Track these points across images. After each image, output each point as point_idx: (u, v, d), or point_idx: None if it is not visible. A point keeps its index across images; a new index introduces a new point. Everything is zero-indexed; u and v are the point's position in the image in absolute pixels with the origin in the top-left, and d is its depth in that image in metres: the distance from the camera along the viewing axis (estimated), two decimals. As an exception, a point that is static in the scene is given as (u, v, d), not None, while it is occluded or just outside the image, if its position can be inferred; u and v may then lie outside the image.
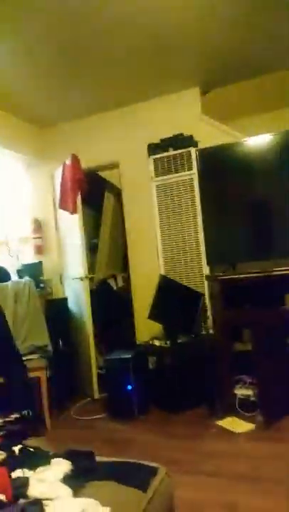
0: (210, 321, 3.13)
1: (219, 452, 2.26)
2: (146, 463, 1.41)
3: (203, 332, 3.20)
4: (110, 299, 3.97)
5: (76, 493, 1.19)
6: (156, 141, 3.44)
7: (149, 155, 3.45)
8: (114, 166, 3.74)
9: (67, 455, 1.40)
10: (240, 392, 2.74)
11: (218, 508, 1.78)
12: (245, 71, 3.28)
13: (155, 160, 3.43)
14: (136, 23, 2.54)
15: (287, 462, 2.06)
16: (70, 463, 1.34)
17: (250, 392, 2.71)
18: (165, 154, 3.39)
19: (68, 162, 3.38)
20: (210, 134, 3.31)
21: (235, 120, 3.41)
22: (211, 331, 3.09)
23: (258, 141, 2.96)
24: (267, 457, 2.13)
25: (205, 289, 3.19)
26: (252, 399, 2.68)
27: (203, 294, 3.21)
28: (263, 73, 3.31)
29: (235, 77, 3.35)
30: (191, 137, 3.33)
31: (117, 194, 3.97)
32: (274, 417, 2.52)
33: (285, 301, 2.76)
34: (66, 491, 1.19)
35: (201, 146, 3.27)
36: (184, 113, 3.45)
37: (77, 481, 1.26)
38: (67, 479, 1.26)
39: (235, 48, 2.94)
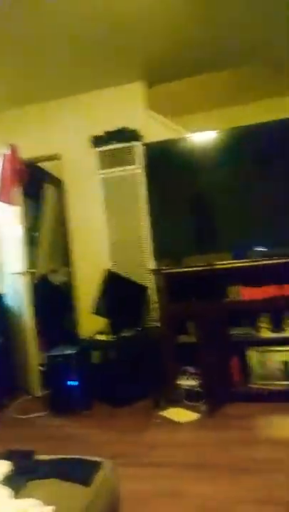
0: (156, 315, 3.15)
1: (164, 443, 2.28)
2: (89, 458, 1.38)
3: (149, 325, 3.22)
4: (51, 295, 3.87)
5: (17, 494, 1.13)
6: (100, 133, 3.39)
7: (94, 147, 3.39)
8: (55, 157, 3.62)
9: (6, 455, 1.33)
10: (185, 383, 2.79)
11: (163, 497, 1.79)
12: (191, 68, 3.32)
13: (100, 152, 3.38)
14: (77, 12, 2.46)
15: (229, 448, 2.13)
16: (9, 463, 1.28)
17: (194, 383, 2.76)
18: (111, 147, 3.35)
19: (7, 152, 3.23)
20: (155, 129, 3.33)
21: (180, 116, 3.45)
22: (156, 324, 3.11)
23: (203, 137, 3.02)
24: (210, 444, 2.19)
25: (151, 282, 3.20)
26: (196, 389, 2.73)
27: (148, 287, 3.23)
28: (209, 71, 3.37)
29: (181, 73, 3.39)
30: (135, 131, 3.32)
31: (58, 186, 3.87)
32: (217, 406, 2.59)
33: (228, 293, 2.85)
34: (6, 492, 1.13)
35: (145, 140, 3.27)
36: (128, 106, 3.43)
37: (17, 481, 1.20)
38: (7, 480, 1.20)
39: (182, 44, 2.96)
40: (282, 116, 2.83)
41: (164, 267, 2.94)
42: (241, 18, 2.70)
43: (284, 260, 2.64)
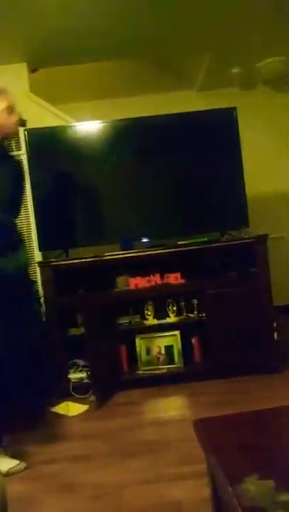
0: (43, 309, 3.06)
1: (54, 438, 2.24)
2: None
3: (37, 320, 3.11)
4: None
5: None
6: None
7: (-29, 130, 3.12)
8: None
9: None
10: (74, 376, 2.77)
11: (54, 492, 1.77)
12: (77, 56, 3.26)
13: (-22, 136, 3.11)
14: None
15: (117, 435, 2.19)
16: None
17: (83, 375, 2.77)
18: (-10, 131, 3.12)
19: None
20: (38, 114, 3.19)
21: (66, 104, 3.37)
22: (44, 319, 3.02)
23: (89, 127, 3.00)
24: (99, 434, 2.21)
25: (38, 276, 3.09)
26: (85, 381, 2.74)
27: (36, 281, 3.11)
28: (96, 60, 3.35)
29: (65, 59, 3.30)
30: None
31: None
32: (105, 396, 2.64)
33: (117, 283, 2.91)
34: None
35: (29, 126, 3.12)
36: (9, 88, 3.22)
37: None
38: None
39: (68, 30, 2.89)
40: (167, 111, 2.94)
41: (51, 260, 2.87)
42: (130, 9, 2.73)
43: (167, 251, 2.79)
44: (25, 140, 2.98)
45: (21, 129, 3.08)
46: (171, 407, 2.41)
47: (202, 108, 3.05)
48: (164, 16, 2.87)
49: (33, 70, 3.34)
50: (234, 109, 2.95)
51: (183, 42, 3.27)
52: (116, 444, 2.11)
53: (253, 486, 0.84)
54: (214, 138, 2.97)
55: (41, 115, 3.19)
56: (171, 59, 3.70)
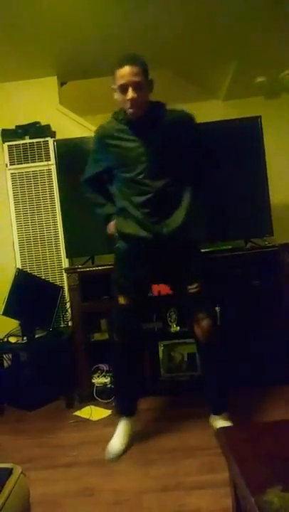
0: (68, 314, 3.13)
1: (76, 442, 2.29)
2: (-1, 465, 1.34)
3: (62, 325, 3.19)
4: None
5: None
6: (11, 127, 3.25)
7: (3, 141, 3.25)
8: None
9: None
10: (98, 380, 2.82)
11: (75, 496, 1.81)
12: (103, 69, 3.33)
13: (10, 147, 3.24)
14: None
15: (138, 442, 2.20)
16: None
17: (107, 380, 2.81)
18: (21, 142, 3.24)
19: None
20: (67, 126, 3.29)
21: (92, 114, 3.45)
22: (70, 323, 3.09)
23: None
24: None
25: (64, 281, 3.17)
26: (109, 386, 2.78)
27: (63, 287, 3.19)
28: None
29: (94, 72, 3.39)
30: (48, 126, 3.25)
31: None
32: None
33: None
34: None
35: (58, 137, 3.22)
36: (40, 101, 3.35)
37: None
38: None
39: (95, 43, 2.98)
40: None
41: (77, 266, 2.93)
42: (156, 21, 2.79)
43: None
44: (54, 150, 3.07)
45: (50, 140, 3.18)
46: (193, 415, 2.41)
47: (228, 117, 3.07)
48: (190, 28, 2.91)
49: (62, 83, 3.44)
50: (258, 117, 2.96)
51: (208, 53, 3.31)
52: (137, 450, 2.13)
53: (277, 498, 0.83)
54: (239, 146, 2.97)
55: (70, 126, 3.28)
56: (196, 70, 3.74)
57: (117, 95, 1.89)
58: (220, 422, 2.11)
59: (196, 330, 2.09)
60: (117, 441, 2.12)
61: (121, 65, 1.82)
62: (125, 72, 1.80)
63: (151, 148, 1.93)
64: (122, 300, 2.09)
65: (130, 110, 1.88)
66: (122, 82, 1.82)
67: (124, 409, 2.23)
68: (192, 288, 2.04)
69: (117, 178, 2.05)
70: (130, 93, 1.82)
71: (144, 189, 1.95)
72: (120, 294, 2.10)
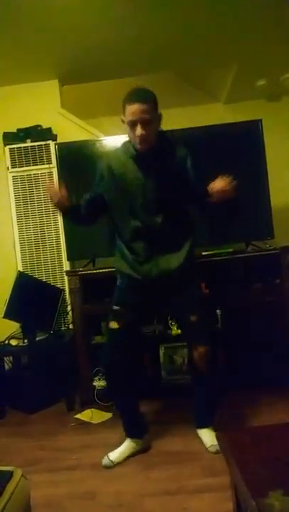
0: (69, 316, 3.13)
1: (78, 445, 2.29)
2: (0, 468, 1.34)
3: (63, 327, 3.19)
4: None
5: None
6: (12, 130, 3.27)
7: (5, 144, 3.26)
8: None
9: None
10: (99, 383, 2.81)
11: (76, 499, 1.81)
12: (104, 72, 3.35)
13: (11, 150, 3.25)
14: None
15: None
16: None
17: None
18: (23, 145, 3.25)
19: None
20: (68, 129, 3.30)
21: (93, 118, 3.46)
22: (70, 326, 3.09)
23: (117, 140, 3.04)
24: (122, 443, 2.22)
25: (65, 284, 3.17)
26: (110, 389, 2.77)
27: (63, 290, 3.19)
28: (121, 76, 3.43)
29: (95, 76, 3.40)
30: (49, 130, 3.26)
31: None
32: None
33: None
34: None
35: (59, 140, 3.23)
36: (42, 105, 3.36)
37: None
38: None
39: (97, 47, 2.99)
40: (195, 124, 2.96)
41: (78, 269, 2.93)
42: (156, 25, 2.81)
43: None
44: (56, 153, 3.08)
45: (52, 143, 3.19)
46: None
47: (229, 120, 3.07)
48: (190, 31, 2.92)
49: (62, 85, 3.45)
50: (259, 120, 2.96)
51: (209, 56, 3.32)
52: (139, 453, 2.12)
53: (278, 501, 0.83)
54: (240, 149, 2.98)
55: (71, 129, 3.29)
56: (197, 73, 3.75)
57: (126, 128, 1.90)
58: (206, 435, 2.12)
59: (195, 357, 2.07)
60: (117, 453, 2.09)
61: (131, 102, 1.82)
62: (135, 109, 1.81)
63: (151, 182, 1.93)
64: (113, 325, 2.06)
65: (139, 146, 1.89)
66: (131, 118, 1.82)
67: (127, 431, 2.15)
68: (193, 317, 2.04)
69: (114, 211, 2.04)
70: (139, 130, 1.83)
71: (138, 224, 1.96)
72: (113, 318, 2.08)
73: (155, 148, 1.92)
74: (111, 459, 2.05)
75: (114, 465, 2.03)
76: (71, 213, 2.10)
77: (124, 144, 2.03)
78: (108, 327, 2.11)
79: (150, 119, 1.84)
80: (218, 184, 1.77)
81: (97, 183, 2.10)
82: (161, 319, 2.93)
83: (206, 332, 2.11)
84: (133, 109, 1.81)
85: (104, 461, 2.05)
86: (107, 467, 2.03)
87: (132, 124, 1.84)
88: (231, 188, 1.77)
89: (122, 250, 2.05)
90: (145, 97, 1.85)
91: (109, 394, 2.27)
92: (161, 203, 1.95)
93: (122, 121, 1.90)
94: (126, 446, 2.11)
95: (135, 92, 1.87)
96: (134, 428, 2.15)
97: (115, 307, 2.09)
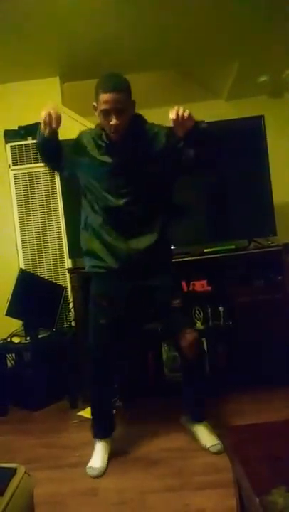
0: (72, 314, 3.13)
1: (81, 442, 2.29)
2: (3, 465, 1.34)
3: (66, 325, 3.19)
4: None
5: None
6: (13, 128, 3.26)
7: (6, 142, 3.25)
8: None
9: None
10: (101, 380, 2.81)
11: (79, 496, 1.81)
12: (105, 69, 3.31)
13: (12, 147, 3.25)
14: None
15: (142, 441, 2.21)
16: None
17: (110, 380, 2.80)
18: (24, 142, 3.24)
19: None
20: (69, 126, 3.27)
21: (94, 115, 3.44)
22: (73, 323, 3.09)
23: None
24: (124, 440, 2.24)
25: (67, 282, 3.17)
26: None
27: (66, 287, 3.20)
28: (123, 73, 3.41)
29: (96, 73, 3.37)
30: (51, 127, 3.24)
31: None
32: (132, 401, 2.66)
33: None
34: None
35: (60, 137, 3.21)
36: (43, 102, 3.30)
37: None
38: None
39: (97, 44, 2.97)
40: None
41: (80, 267, 2.93)
42: (157, 21, 2.79)
43: (193, 258, 2.79)
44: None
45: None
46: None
47: (231, 117, 3.06)
48: (191, 28, 2.91)
49: (63, 82, 3.43)
50: (261, 117, 2.95)
51: (210, 53, 3.30)
52: (141, 450, 2.13)
53: (281, 498, 0.83)
54: (242, 146, 2.97)
55: (72, 127, 3.27)
56: (199, 70, 3.73)
57: (98, 115, 1.87)
58: (199, 429, 2.12)
59: (183, 343, 2.04)
60: (98, 459, 2.03)
61: (105, 90, 1.80)
62: (109, 98, 1.79)
63: (120, 168, 1.92)
64: (100, 320, 2.05)
65: (112, 135, 1.88)
66: (105, 107, 1.81)
67: (99, 433, 2.12)
68: (175, 303, 2.03)
69: (87, 191, 2.02)
70: (113, 120, 1.81)
71: (108, 205, 1.94)
72: (98, 312, 2.06)
73: (127, 134, 1.90)
74: (97, 466, 1.99)
75: (104, 470, 1.98)
76: (52, 142, 2.06)
77: (96, 130, 2.01)
78: (94, 321, 2.08)
79: (124, 108, 1.82)
80: (171, 115, 1.75)
81: (72, 151, 2.08)
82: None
83: (190, 317, 2.10)
84: (107, 97, 1.79)
85: (92, 471, 1.97)
86: (98, 476, 1.95)
87: (106, 113, 1.82)
88: (186, 115, 1.74)
89: (93, 231, 2.00)
90: (120, 85, 1.83)
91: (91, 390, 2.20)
92: (129, 187, 1.92)
93: (94, 107, 1.87)
94: (102, 449, 2.07)
95: (109, 79, 1.85)
96: (107, 427, 2.14)
97: (98, 299, 2.07)
